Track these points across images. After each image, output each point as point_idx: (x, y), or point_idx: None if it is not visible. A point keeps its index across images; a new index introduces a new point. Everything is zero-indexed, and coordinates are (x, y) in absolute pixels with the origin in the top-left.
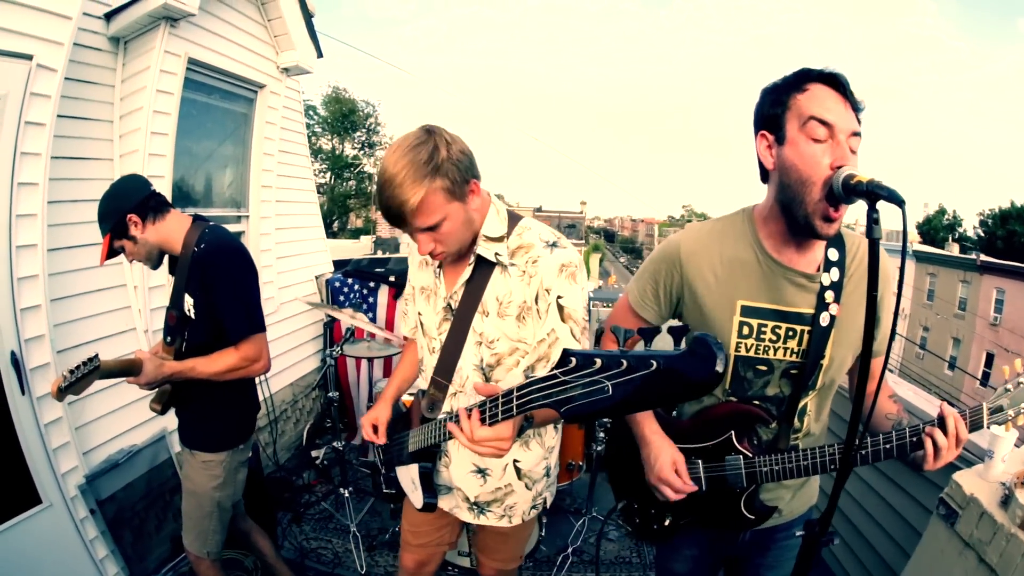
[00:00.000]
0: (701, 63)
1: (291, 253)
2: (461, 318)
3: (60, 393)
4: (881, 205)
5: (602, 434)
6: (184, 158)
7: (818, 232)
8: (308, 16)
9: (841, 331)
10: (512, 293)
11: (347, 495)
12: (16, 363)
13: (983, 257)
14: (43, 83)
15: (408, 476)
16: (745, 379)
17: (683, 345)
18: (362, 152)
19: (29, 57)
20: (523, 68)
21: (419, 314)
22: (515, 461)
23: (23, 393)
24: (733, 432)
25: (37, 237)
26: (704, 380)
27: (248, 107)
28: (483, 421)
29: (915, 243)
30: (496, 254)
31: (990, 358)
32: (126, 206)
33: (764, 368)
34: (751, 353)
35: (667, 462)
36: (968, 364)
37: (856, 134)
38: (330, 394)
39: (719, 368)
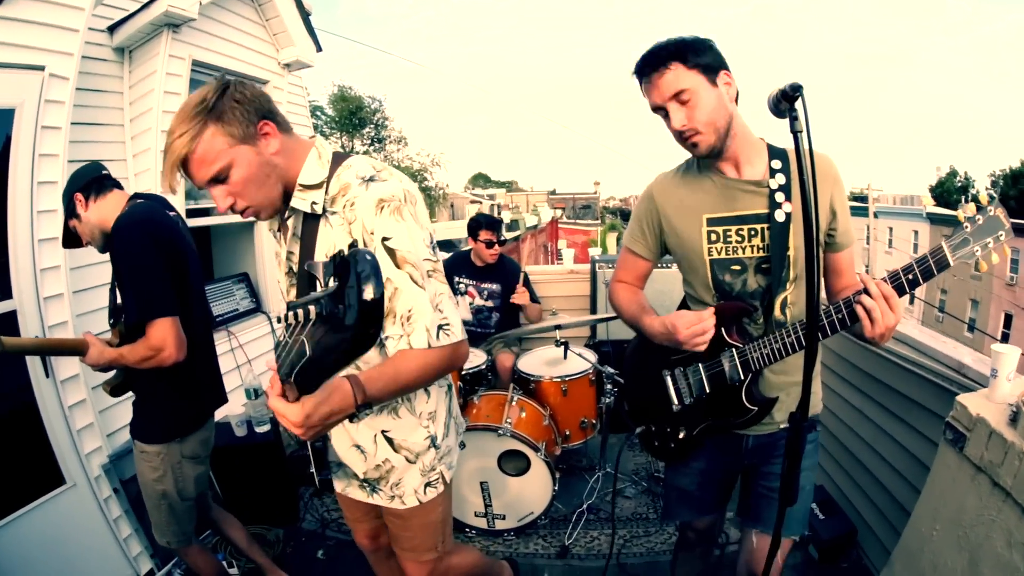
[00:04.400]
0: (705, 36)
1: None
2: (300, 281)
3: None
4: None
5: (609, 386)
6: None
7: (699, 154)
8: (305, 14)
9: (798, 224)
10: (335, 246)
11: None
12: None
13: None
14: (56, 90)
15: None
16: (725, 281)
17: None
18: (372, 147)
19: (42, 68)
20: (528, 51)
21: (278, 282)
22: (384, 432)
23: (47, 376)
24: (723, 329)
25: (58, 231)
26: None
27: None
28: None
29: (928, 206)
30: (312, 203)
31: (1009, 318)
32: (73, 187)
33: (738, 268)
34: (722, 255)
35: (679, 323)
36: (987, 326)
37: (676, 94)
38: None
39: (367, 295)
